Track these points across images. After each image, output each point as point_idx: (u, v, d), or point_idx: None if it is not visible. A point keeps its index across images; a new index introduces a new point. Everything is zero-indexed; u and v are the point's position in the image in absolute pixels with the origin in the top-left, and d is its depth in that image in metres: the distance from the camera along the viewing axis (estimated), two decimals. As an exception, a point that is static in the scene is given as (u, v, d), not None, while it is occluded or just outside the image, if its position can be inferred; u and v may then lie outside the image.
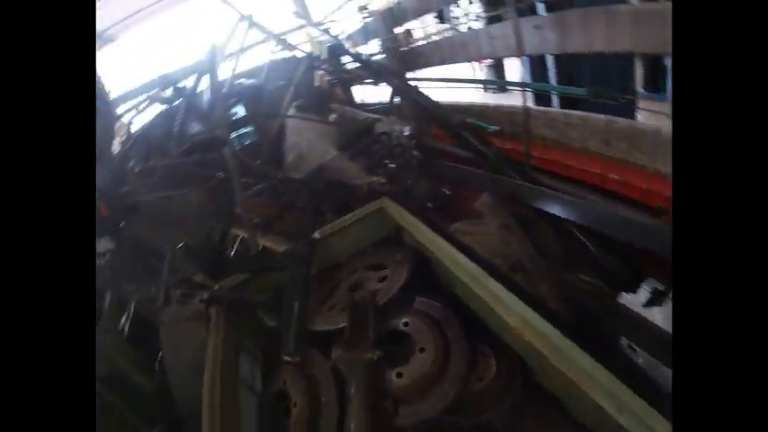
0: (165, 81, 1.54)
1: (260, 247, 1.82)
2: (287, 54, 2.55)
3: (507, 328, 1.26)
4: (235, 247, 2.23)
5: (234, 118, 2.63)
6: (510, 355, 1.43)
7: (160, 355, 1.73)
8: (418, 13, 2.47)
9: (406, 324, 1.46)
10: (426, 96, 1.89)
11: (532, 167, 1.73)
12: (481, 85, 2.93)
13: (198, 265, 1.59)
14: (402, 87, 1.99)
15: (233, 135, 2.70)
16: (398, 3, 2.33)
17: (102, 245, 1.31)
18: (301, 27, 2.75)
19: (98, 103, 1.32)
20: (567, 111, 1.68)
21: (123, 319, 2.05)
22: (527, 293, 1.43)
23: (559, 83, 2.17)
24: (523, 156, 1.71)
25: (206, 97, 1.91)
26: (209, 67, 1.71)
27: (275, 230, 2.05)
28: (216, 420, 1.23)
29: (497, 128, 1.90)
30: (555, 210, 1.54)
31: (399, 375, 1.33)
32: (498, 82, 2.08)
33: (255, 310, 1.85)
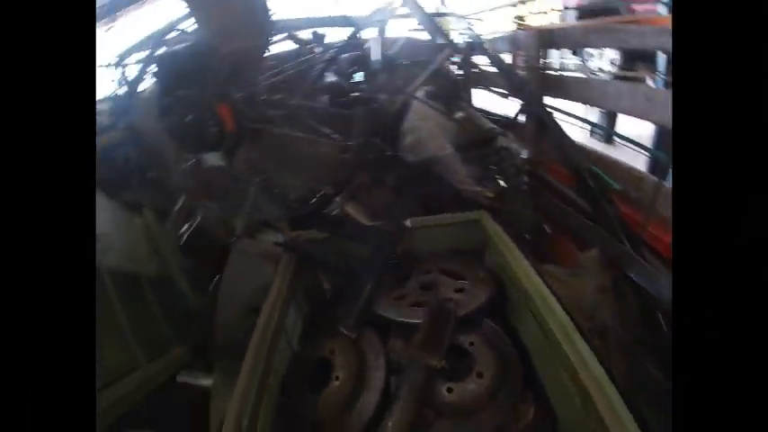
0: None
1: (346, 213, 1.81)
2: (424, 36, 2.52)
3: (567, 387, 1.19)
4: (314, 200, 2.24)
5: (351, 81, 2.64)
6: (548, 408, 1.38)
7: (217, 278, 1.75)
8: (573, 46, 2.39)
9: (471, 344, 1.41)
10: (560, 128, 1.82)
11: (644, 242, 1.63)
12: (589, 128, 2.79)
13: (283, 211, 1.58)
14: (536, 109, 1.92)
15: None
16: (559, 29, 2.24)
17: (212, 159, 1.30)
18: (445, 14, 2.70)
19: (261, 16, 1.31)
20: None
21: (186, 227, 2.09)
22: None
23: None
24: (639, 227, 1.61)
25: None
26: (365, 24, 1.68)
27: (359, 200, 2.03)
28: (260, 359, 1.23)
29: (621, 188, 1.81)
30: (653, 291, 1.45)
31: (449, 390, 1.30)
32: (640, 145, 1.99)
33: (320, 270, 1.85)
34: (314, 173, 1.34)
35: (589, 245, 1.51)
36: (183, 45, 1.28)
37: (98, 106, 2.89)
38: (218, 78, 1.22)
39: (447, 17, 2.67)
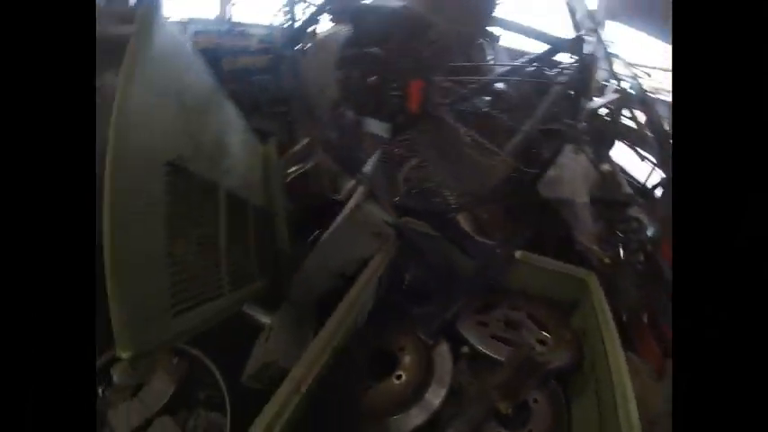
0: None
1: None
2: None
3: None
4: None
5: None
6: None
7: (317, 232, 1.76)
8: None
9: (535, 401, 1.40)
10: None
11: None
12: None
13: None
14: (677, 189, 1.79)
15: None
16: None
17: (375, 126, 1.29)
18: (615, 56, 2.52)
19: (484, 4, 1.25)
20: None
21: (294, 168, 2.10)
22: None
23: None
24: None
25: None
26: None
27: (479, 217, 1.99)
28: (340, 330, 1.26)
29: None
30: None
31: (498, 436, 1.30)
32: None
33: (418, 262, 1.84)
34: (472, 181, 1.31)
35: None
36: (393, 3, 1.23)
37: (251, 30, 2.96)
38: (425, 53, 1.17)
39: (614, 59, 2.50)
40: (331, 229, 1.61)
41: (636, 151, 2.22)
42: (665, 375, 1.50)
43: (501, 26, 1.62)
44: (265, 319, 1.70)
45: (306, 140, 1.97)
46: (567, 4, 2.15)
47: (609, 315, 1.55)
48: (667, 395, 1.44)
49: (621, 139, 2.30)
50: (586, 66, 1.65)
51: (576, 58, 1.61)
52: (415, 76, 1.20)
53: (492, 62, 1.79)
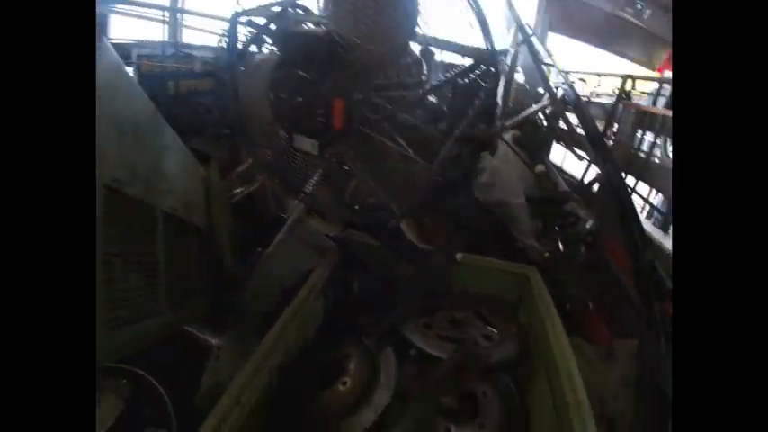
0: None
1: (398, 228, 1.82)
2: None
3: None
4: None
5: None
6: None
7: (260, 250, 1.78)
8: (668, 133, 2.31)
9: (484, 393, 1.40)
10: (635, 211, 1.76)
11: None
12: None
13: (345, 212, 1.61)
14: (615, 184, 1.87)
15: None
16: (662, 115, 2.15)
17: (305, 144, 1.33)
18: (550, 65, 2.65)
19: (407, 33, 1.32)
20: None
21: (239, 190, 2.14)
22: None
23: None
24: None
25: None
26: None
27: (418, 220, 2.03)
28: (280, 343, 1.26)
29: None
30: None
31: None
32: None
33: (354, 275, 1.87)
34: (398, 189, 1.35)
35: (626, 335, 1.47)
36: (318, 28, 1.31)
37: (197, 52, 3.04)
38: (346, 74, 1.24)
39: (550, 68, 2.64)
40: (272, 245, 1.64)
41: (572, 152, 2.32)
42: (615, 357, 1.53)
43: (421, 43, 1.71)
44: (214, 340, 1.69)
45: (249, 161, 2.01)
46: (504, 17, 2.28)
47: (551, 306, 1.59)
48: (619, 375, 1.47)
49: (557, 141, 2.41)
50: (502, 76, 1.73)
51: (494, 69, 1.70)
52: (337, 96, 1.27)
53: (424, 78, 1.87)
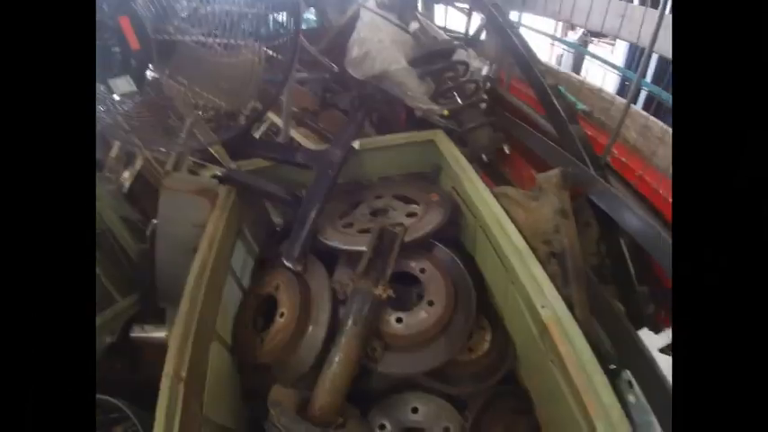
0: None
1: (290, 139, 1.65)
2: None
3: (523, 314, 1.16)
4: (261, 130, 2.07)
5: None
6: (505, 337, 1.36)
7: (153, 222, 1.60)
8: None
9: (422, 270, 1.34)
10: (525, 43, 1.65)
11: (607, 164, 1.54)
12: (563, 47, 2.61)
13: (222, 138, 1.41)
14: (497, 23, 1.73)
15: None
16: None
17: (122, 85, 1.12)
18: None
19: None
20: (666, 126, 1.47)
21: (127, 174, 1.92)
22: (558, 290, 1.33)
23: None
24: (603, 148, 1.51)
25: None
26: None
27: (310, 126, 1.87)
28: (196, 306, 1.11)
29: (587, 108, 1.68)
30: (615, 216, 1.38)
31: (399, 320, 1.23)
32: (602, 59, 1.85)
33: (266, 201, 1.72)
34: (237, 85, 1.16)
35: (550, 167, 1.40)
36: None
37: None
38: None
39: None
40: (158, 214, 1.45)
41: (455, 7, 2.15)
42: (545, 191, 1.47)
43: None
44: (159, 333, 1.57)
45: (116, 144, 1.76)
46: None
47: (463, 161, 1.50)
48: (552, 208, 1.42)
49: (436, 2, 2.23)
50: None
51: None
52: (120, 13, 1.04)
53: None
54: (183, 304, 1.10)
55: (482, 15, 2.01)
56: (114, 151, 1.88)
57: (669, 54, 1.32)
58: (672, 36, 0.70)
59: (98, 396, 1.30)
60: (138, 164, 1.90)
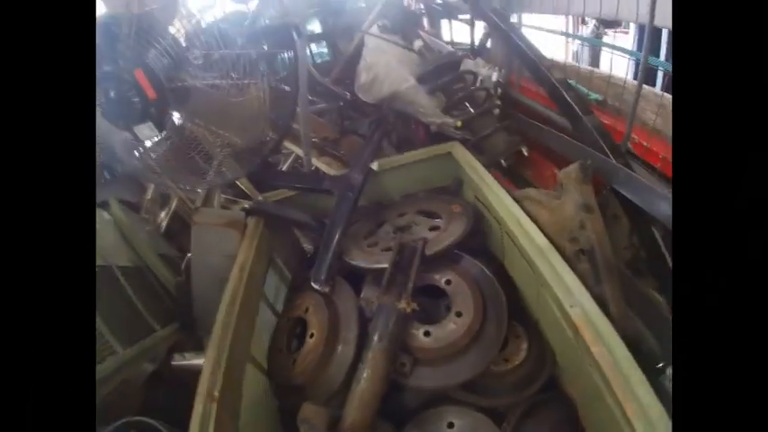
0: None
1: (313, 167, 1.71)
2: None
3: (556, 316, 1.11)
4: (288, 163, 2.15)
5: (309, 33, 2.48)
6: (542, 344, 1.32)
7: (188, 255, 1.69)
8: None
9: (448, 282, 1.33)
10: (529, 43, 1.65)
11: (629, 151, 1.49)
12: (577, 43, 2.57)
13: (245, 172, 1.49)
14: (500, 28, 1.75)
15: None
16: None
17: (145, 132, 1.22)
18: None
19: None
20: None
21: (163, 214, 2.05)
22: (589, 288, 1.28)
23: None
24: (622, 136, 1.46)
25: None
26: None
27: (332, 154, 1.93)
28: (229, 330, 1.16)
29: (600, 98, 1.65)
30: (643, 204, 1.32)
31: (427, 334, 1.23)
32: (614, 46, 1.82)
33: (294, 229, 1.78)
34: (247, 122, 1.23)
35: (570, 162, 1.38)
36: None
37: None
38: (128, 44, 1.11)
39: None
40: (191, 247, 1.53)
41: (460, 20, 2.18)
42: (566, 187, 1.43)
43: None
44: (200, 361, 1.63)
45: (151, 187, 1.89)
46: None
47: (480, 169, 1.50)
48: (575, 204, 1.38)
49: (441, 17, 2.27)
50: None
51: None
52: (134, 67, 1.14)
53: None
54: (216, 329, 1.16)
55: (484, 23, 2.03)
56: (150, 194, 2.02)
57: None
58: (672, 58, 0.70)
59: (139, 418, 1.35)
60: (173, 204, 2.03)
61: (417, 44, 1.73)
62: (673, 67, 0.72)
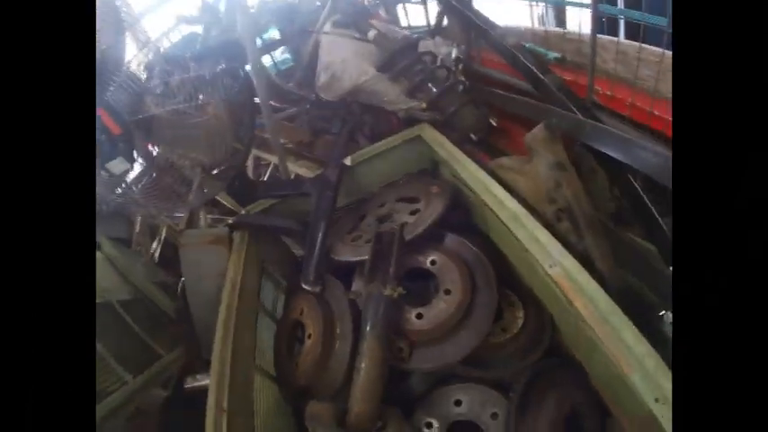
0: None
1: (292, 175, 1.73)
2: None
3: (543, 279, 1.10)
4: (268, 173, 2.18)
5: (269, 41, 2.50)
6: (539, 309, 1.32)
7: (182, 279, 1.72)
8: None
9: (433, 263, 1.34)
10: (480, 14, 1.65)
11: (594, 104, 1.49)
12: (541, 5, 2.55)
13: (223, 186, 1.51)
14: (451, 4, 1.75)
15: (267, 61, 2.58)
16: None
17: (117, 166, 1.25)
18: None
19: (125, 21, 1.22)
20: (642, 45, 1.39)
21: (155, 244, 2.09)
22: (572, 246, 1.28)
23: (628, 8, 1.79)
24: (585, 90, 1.46)
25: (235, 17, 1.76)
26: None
27: (308, 157, 1.95)
28: (229, 343, 1.19)
29: (558, 55, 1.65)
30: (617, 154, 1.32)
31: (419, 317, 1.24)
32: (561, 1, 1.80)
33: (281, 236, 1.80)
34: (212, 139, 1.26)
35: (533, 124, 1.38)
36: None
37: None
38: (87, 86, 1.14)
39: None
40: (182, 270, 1.56)
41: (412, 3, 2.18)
42: (536, 150, 1.44)
43: None
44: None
45: (138, 220, 1.93)
46: None
47: (449, 145, 1.51)
48: (548, 164, 1.39)
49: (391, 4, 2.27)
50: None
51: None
52: (98, 107, 1.17)
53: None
54: (217, 343, 1.19)
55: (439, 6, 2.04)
56: (138, 227, 2.06)
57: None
58: (672, 60, 0.64)
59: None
60: (163, 232, 2.07)
61: (371, 34, 1.73)
62: (673, 69, 0.70)
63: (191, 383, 1.68)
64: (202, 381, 1.68)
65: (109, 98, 1.19)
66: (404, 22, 2.47)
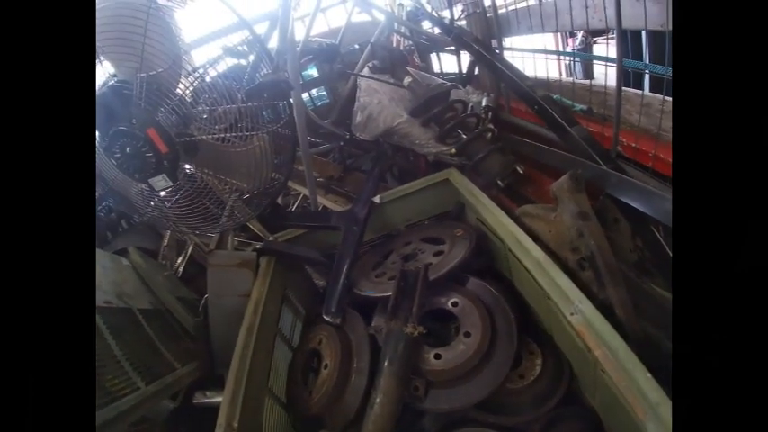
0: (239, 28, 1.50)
1: (320, 207, 1.80)
2: (366, 17, 2.49)
3: (564, 327, 1.11)
4: (297, 203, 2.25)
5: (308, 79, 2.64)
6: (558, 358, 1.32)
7: (205, 296, 1.77)
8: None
9: (454, 304, 1.36)
10: (511, 65, 1.73)
11: (619, 155, 1.52)
12: (568, 58, 2.63)
13: (255, 213, 1.58)
14: (483, 55, 1.83)
15: (306, 96, 2.71)
16: None
17: (159, 183, 1.33)
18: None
19: (175, 48, 1.32)
20: (665, 97, 1.44)
21: (180, 260, 2.15)
22: (593, 295, 1.29)
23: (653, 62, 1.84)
24: (610, 141, 1.51)
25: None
26: (283, 17, 1.64)
27: (337, 191, 2.01)
28: (246, 363, 1.21)
29: (585, 107, 1.70)
30: (640, 205, 1.34)
31: (437, 357, 1.25)
32: (588, 56, 1.89)
33: (305, 266, 1.84)
34: (252, 168, 1.33)
35: (558, 174, 1.42)
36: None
37: None
38: (140, 104, 1.23)
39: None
40: (207, 288, 1.62)
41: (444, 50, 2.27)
42: (560, 198, 1.47)
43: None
44: (220, 398, 1.68)
45: (167, 234, 2.00)
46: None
47: (476, 191, 1.55)
48: (571, 212, 1.41)
49: (425, 53, 2.38)
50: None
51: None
52: (146, 127, 1.25)
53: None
54: (234, 362, 1.21)
55: (468, 53, 2.13)
56: (166, 240, 2.13)
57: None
58: (672, 60, 0.67)
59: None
60: (189, 249, 2.13)
61: (407, 80, 1.82)
62: (673, 71, 0.75)
63: (200, 399, 1.70)
64: (212, 398, 1.70)
65: (160, 119, 1.28)
66: (436, 68, 2.59)
